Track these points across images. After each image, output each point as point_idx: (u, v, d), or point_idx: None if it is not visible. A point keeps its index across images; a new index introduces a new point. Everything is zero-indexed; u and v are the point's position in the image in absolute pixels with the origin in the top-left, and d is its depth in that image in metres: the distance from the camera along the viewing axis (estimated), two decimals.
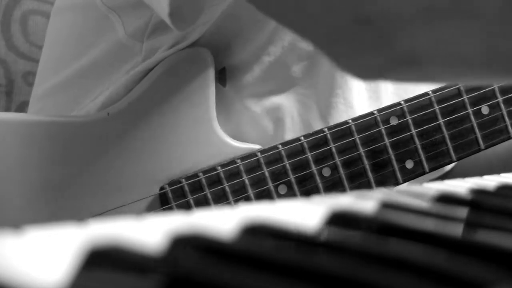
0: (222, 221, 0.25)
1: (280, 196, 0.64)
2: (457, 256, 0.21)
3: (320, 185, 0.65)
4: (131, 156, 0.63)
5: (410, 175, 0.66)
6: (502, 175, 0.44)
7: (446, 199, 0.31)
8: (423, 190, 0.35)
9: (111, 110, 0.64)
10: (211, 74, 0.64)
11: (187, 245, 0.21)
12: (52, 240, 0.22)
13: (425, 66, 0.32)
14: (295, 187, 0.65)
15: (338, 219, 0.26)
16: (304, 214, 0.28)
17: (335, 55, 0.34)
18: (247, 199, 0.64)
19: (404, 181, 0.66)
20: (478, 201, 0.30)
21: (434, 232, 0.23)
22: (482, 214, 0.28)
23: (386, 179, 0.66)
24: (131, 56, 0.65)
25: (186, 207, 0.64)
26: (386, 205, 0.29)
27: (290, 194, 0.65)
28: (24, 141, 0.62)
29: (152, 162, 0.64)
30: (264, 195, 0.64)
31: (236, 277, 0.18)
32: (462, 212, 0.28)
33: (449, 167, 0.84)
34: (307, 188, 0.65)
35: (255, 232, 0.23)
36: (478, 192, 0.34)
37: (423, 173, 0.66)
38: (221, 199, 0.64)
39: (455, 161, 0.67)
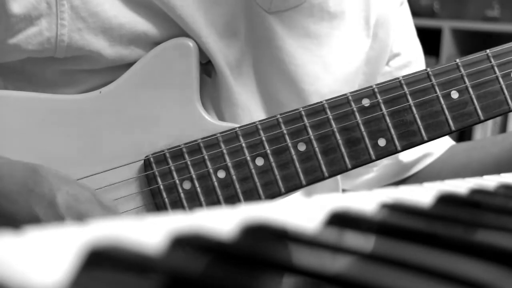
0: (222, 221, 0.25)
1: (257, 167, 0.67)
2: (457, 256, 0.21)
3: (295, 158, 0.67)
4: (120, 131, 0.69)
5: (383, 152, 0.68)
6: (502, 175, 0.44)
7: (446, 199, 0.31)
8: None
9: (104, 89, 0.69)
10: (194, 60, 0.69)
11: (187, 245, 0.21)
12: (52, 240, 0.22)
13: None
14: (271, 159, 0.67)
15: (339, 219, 0.26)
16: (305, 214, 0.28)
17: None
18: (226, 168, 0.68)
19: (377, 158, 0.68)
20: (478, 201, 0.30)
21: (434, 233, 0.23)
22: (482, 214, 0.28)
23: (359, 155, 0.68)
24: None
25: (168, 173, 0.68)
26: (386, 206, 0.29)
27: (267, 165, 0.67)
28: (24, 115, 0.68)
29: (139, 137, 0.69)
30: (241, 165, 0.68)
31: (236, 277, 0.18)
32: (463, 214, 0.28)
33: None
34: (283, 161, 0.68)
35: (255, 232, 0.23)
36: (478, 192, 0.34)
37: (396, 151, 0.69)
38: (200, 167, 0.68)
39: (426, 141, 0.69)
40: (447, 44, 2.97)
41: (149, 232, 0.23)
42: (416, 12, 0.91)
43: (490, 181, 0.39)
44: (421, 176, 0.89)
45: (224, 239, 0.21)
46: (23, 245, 0.21)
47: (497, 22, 3.07)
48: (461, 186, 0.37)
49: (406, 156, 0.87)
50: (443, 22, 3.05)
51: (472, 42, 2.94)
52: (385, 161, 0.87)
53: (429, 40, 2.71)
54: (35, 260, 0.20)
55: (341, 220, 0.26)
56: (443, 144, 0.89)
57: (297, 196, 0.76)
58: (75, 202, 0.60)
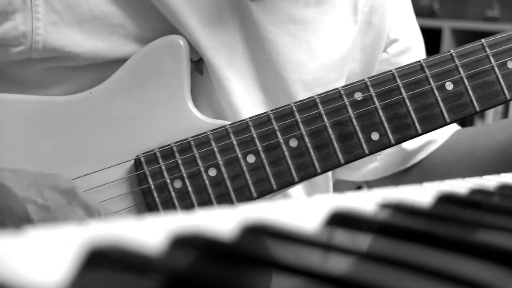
0: (222, 221, 0.25)
1: (248, 164, 0.67)
2: (457, 256, 0.21)
3: (287, 154, 0.67)
4: (111, 131, 0.68)
5: (376, 146, 0.67)
6: (502, 175, 0.44)
7: (446, 199, 0.31)
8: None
9: (94, 89, 0.68)
10: (185, 57, 0.68)
11: (187, 245, 0.21)
12: (52, 240, 0.22)
13: None
14: (262, 156, 0.67)
15: (338, 219, 0.26)
16: (305, 214, 0.28)
17: None
18: (217, 166, 0.67)
19: (370, 152, 0.67)
20: (478, 201, 0.30)
21: (434, 232, 0.23)
22: (482, 214, 0.28)
23: (352, 150, 0.67)
24: None
25: (159, 172, 0.67)
26: (386, 206, 0.29)
27: (258, 162, 0.67)
28: (15, 117, 0.67)
29: (130, 136, 0.68)
30: (233, 162, 0.67)
31: (236, 277, 0.18)
32: (464, 213, 0.28)
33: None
34: (275, 158, 0.67)
35: (255, 232, 0.23)
36: (478, 192, 0.34)
37: (390, 144, 0.67)
38: (191, 166, 0.67)
39: (421, 134, 0.68)
40: (447, 44, 2.97)
41: (149, 232, 0.23)
42: (416, 12, 0.90)
43: (490, 181, 0.39)
44: (426, 164, 0.88)
45: (224, 239, 0.21)
46: (23, 245, 0.21)
47: (497, 22, 3.07)
48: (461, 186, 0.37)
49: (410, 144, 0.86)
50: (443, 22, 3.05)
51: (472, 42, 2.94)
52: (389, 150, 0.85)
53: (429, 40, 2.70)
54: (35, 260, 0.20)
55: (341, 220, 0.26)
56: (447, 130, 0.87)
57: (297, 196, 0.76)
58: (47, 213, 0.58)
